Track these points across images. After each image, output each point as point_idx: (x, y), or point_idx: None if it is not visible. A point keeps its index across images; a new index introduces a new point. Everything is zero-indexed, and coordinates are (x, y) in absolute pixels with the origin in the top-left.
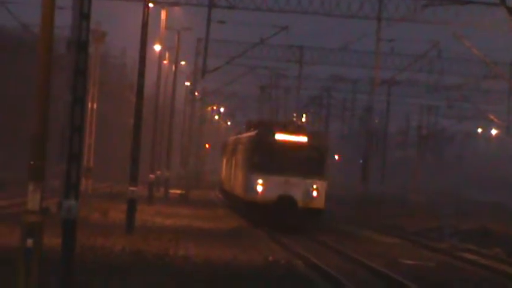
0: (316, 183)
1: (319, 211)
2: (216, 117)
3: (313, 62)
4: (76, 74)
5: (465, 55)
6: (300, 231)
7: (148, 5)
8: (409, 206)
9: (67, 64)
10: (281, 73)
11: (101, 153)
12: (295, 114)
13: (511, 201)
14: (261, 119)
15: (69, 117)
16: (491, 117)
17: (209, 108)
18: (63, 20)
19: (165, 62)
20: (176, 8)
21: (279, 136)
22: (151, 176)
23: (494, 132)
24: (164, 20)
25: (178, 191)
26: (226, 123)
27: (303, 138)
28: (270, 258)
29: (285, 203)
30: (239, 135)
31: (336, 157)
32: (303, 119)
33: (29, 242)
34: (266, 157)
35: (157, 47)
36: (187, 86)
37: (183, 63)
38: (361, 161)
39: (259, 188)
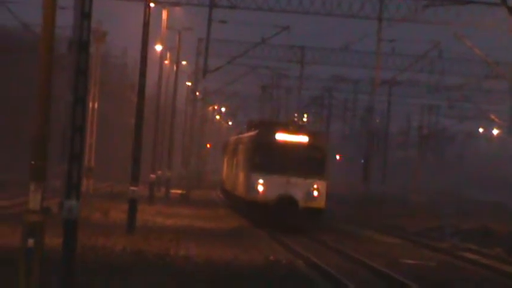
0: (316, 183)
1: (319, 211)
2: (217, 117)
3: (315, 62)
4: (77, 74)
5: (466, 55)
6: (300, 231)
7: (149, 5)
8: (410, 205)
9: (68, 64)
10: (282, 73)
11: (102, 153)
12: (296, 114)
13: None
14: (262, 119)
15: (71, 117)
16: (493, 117)
17: (210, 108)
18: (65, 20)
19: (166, 61)
20: (177, 8)
21: (280, 136)
22: (153, 175)
23: (495, 132)
24: (165, 20)
25: (179, 191)
26: (228, 123)
27: (304, 138)
28: (271, 258)
29: (285, 202)
30: (240, 135)
31: (338, 157)
32: (304, 119)
33: (30, 241)
34: (267, 157)
35: (158, 47)
36: (188, 85)
37: (184, 63)
38: (362, 161)
39: (260, 188)
